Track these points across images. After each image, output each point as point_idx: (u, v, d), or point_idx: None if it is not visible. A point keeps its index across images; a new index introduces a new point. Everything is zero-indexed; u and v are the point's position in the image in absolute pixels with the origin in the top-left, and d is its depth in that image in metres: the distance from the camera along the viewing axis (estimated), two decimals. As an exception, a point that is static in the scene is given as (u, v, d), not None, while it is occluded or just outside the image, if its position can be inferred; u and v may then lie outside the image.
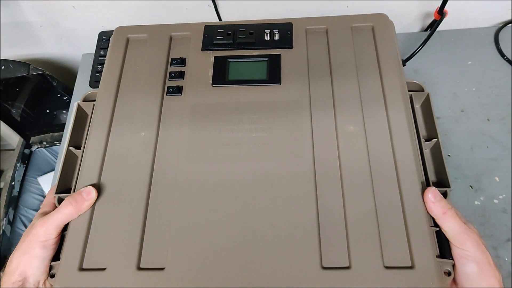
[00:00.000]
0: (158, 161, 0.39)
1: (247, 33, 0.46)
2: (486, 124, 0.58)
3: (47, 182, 0.93)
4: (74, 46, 0.78)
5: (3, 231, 0.85)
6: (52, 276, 0.34)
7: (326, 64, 0.43)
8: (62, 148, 0.43)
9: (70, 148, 0.41)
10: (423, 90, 0.43)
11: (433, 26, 0.65)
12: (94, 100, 0.44)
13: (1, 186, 0.90)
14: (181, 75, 0.43)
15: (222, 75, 0.43)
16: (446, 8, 0.61)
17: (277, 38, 0.45)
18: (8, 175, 0.91)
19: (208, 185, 0.37)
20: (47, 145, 0.97)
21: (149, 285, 0.32)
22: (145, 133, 0.40)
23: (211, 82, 0.43)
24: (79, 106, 0.44)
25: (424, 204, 0.35)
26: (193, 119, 0.40)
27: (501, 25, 0.68)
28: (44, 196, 0.92)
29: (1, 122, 0.88)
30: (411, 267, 0.32)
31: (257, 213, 0.35)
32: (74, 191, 0.38)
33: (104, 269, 0.33)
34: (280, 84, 0.42)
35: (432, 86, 0.61)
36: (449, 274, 0.32)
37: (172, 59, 0.45)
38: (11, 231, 0.87)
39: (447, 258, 0.33)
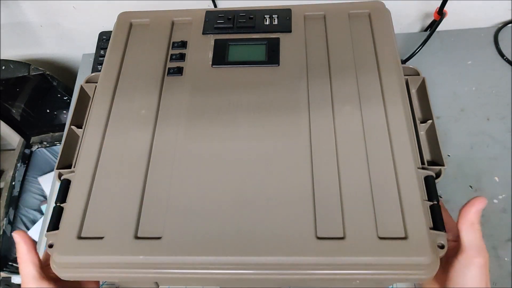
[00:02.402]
0: (158, 137, 0.39)
1: (247, 18, 0.47)
2: (486, 123, 0.58)
3: (48, 182, 0.93)
4: (74, 46, 0.79)
5: (3, 231, 0.85)
6: (51, 246, 0.35)
7: (324, 48, 0.44)
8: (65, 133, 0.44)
9: (72, 127, 0.43)
10: (419, 75, 0.44)
11: (433, 26, 0.65)
12: (97, 82, 0.45)
13: (2, 186, 0.90)
14: (182, 57, 0.45)
15: (222, 57, 0.44)
16: (446, 8, 0.61)
17: (276, 23, 0.46)
18: (9, 175, 0.91)
19: (206, 159, 0.37)
20: (48, 145, 0.97)
21: (146, 254, 0.33)
22: (145, 111, 0.41)
23: (211, 63, 0.44)
24: (81, 88, 0.45)
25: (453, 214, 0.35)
26: (193, 98, 0.41)
27: (500, 25, 0.68)
28: (44, 196, 0.92)
29: (1, 122, 0.88)
30: (405, 238, 0.32)
31: (254, 185, 0.36)
32: (74, 167, 0.39)
33: (102, 237, 0.34)
34: (279, 65, 0.43)
35: (432, 86, 0.61)
36: (442, 247, 0.33)
37: (173, 42, 0.46)
38: (12, 231, 0.87)
39: (440, 231, 0.33)
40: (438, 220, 0.34)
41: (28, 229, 0.89)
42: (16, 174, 0.91)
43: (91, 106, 0.44)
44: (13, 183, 0.90)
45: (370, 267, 0.32)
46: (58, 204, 0.37)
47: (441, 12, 0.62)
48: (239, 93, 0.41)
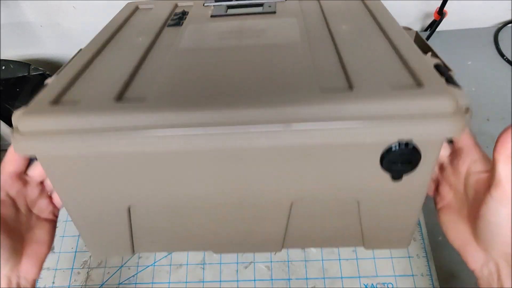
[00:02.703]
0: (156, 45, 0.39)
1: None
2: (486, 124, 0.58)
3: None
4: (74, 46, 0.78)
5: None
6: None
7: (318, 8, 0.45)
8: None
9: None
10: (410, 30, 0.45)
11: (433, 26, 0.65)
12: None
13: (1, 186, 0.90)
14: (182, 17, 0.46)
15: (221, 12, 0.46)
16: (446, 8, 0.61)
17: None
18: (8, 175, 0.91)
19: (205, 49, 0.37)
20: (47, 145, 0.97)
21: (126, 113, 0.28)
22: (142, 38, 0.40)
23: (210, 16, 0.45)
24: (80, 50, 0.43)
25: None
26: (190, 36, 0.41)
27: (501, 25, 0.68)
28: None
29: (1, 122, 0.88)
30: (419, 85, 0.28)
31: (250, 52, 0.35)
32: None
33: (79, 100, 0.29)
34: (275, 13, 0.44)
35: (432, 86, 0.61)
36: (466, 110, 0.29)
37: (175, 13, 0.47)
38: (11, 231, 0.87)
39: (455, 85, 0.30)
40: (451, 79, 0.30)
41: (28, 229, 0.88)
42: (16, 174, 0.91)
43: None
44: (13, 183, 0.90)
45: (383, 117, 0.26)
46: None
47: (441, 12, 0.62)
48: (239, 29, 0.41)
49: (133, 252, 0.37)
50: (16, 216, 0.32)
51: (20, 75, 0.74)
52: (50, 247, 0.35)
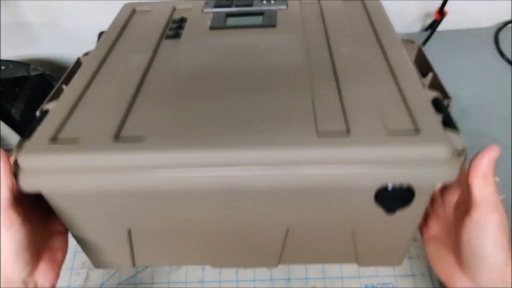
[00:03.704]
0: (153, 67, 0.38)
1: None
2: (486, 124, 0.58)
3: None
4: (74, 46, 0.78)
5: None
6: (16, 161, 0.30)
7: (320, 19, 0.44)
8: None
9: (62, 85, 0.39)
10: (413, 43, 0.44)
11: (433, 26, 0.65)
12: None
13: (1, 186, 0.90)
14: (180, 26, 0.45)
15: (220, 23, 0.45)
16: (446, 8, 0.61)
17: (273, 2, 0.48)
18: (8, 175, 0.91)
19: (203, 71, 0.36)
20: (47, 145, 0.97)
21: (125, 152, 0.28)
22: (140, 56, 0.40)
23: (209, 28, 0.44)
24: (78, 59, 0.44)
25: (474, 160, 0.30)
26: (189, 50, 0.41)
27: (501, 25, 0.68)
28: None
29: (1, 122, 0.88)
30: (416, 130, 0.28)
31: (249, 86, 0.34)
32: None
33: (78, 138, 0.29)
34: (275, 27, 0.43)
35: (432, 86, 0.61)
36: (460, 152, 0.29)
37: (173, 20, 0.47)
38: (11, 231, 0.87)
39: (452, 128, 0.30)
40: (448, 118, 0.30)
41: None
42: (15, 174, 0.91)
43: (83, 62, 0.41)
44: (13, 183, 0.90)
45: (379, 163, 0.27)
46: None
47: (441, 12, 0.62)
48: (238, 46, 0.41)
49: (134, 265, 0.38)
50: (32, 225, 0.31)
51: (19, 75, 0.74)
52: (65, 254, 0.35)
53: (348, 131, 0.28)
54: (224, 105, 0.32)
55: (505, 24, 0.68)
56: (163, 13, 0.48)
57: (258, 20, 0.45)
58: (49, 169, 0.28)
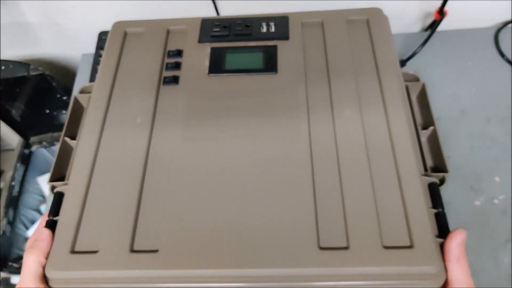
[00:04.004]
0: (154, 146, 0.39)
1: (244, 26, 0.46)
2: (486, 124, 0.58)
3: (47, 183, 0.93)
4: (74, 46, 0.78)
5: (3, 231, 0.85)
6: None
7: (322, 55, 0.44)
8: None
9: (65, 138, 0.42)
10: (418, 81, 0.44)
11: (433, 26, 0.65)
12: (91, 93, 0.44)
13: (1, 187, 0.90)
14: (177, 66, 0.44)
15: (219, 65, 0.44)
16: (446, 8, 0.61)
17: (273, 30, 0.46)
18: (8, 175, 0.91)
19: (203, 167, 0.37)
20: (47, 145, 0.97)
21: (142, 268, 0.32)
22: (140, 119, 0.40)
23: (207, 71, 0.43)
24: (75, 99, 0.45)
25: (445, 245, 0.33)
26: (189, 106, 0.41)
27: (501, 25, 0.68)
28: (44, 197, 0.92)
29: (1, 122, 0.88)
30: (411, 247, 0.31)
31: (253, 194, 0.35)
32: (67, 179, 0.38)
33: (96, 251, 0.33)
34: (276, 73, 0.42)
35: (432, 86, 0.61)
36: None
37: (169, 51, 0.45)
38: (11, 231, 0.87)
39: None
40: (444, 228, 0.33)
41: (27, 229, 0.89)
42: (15, 175, 0.91)
43: (84, 117, 0.43)
44: (13, 183, 0.90)
45: (375, 278, 0.31)
46: (51, 218, 0.36)
47: (441, 12, 0.61)
48: (237, 102, 0.40)
49: None
50: None
51: (19, 75, 0.74)
52: None
53: (347, 247, 0.32)
54: (229, 217, 0.34)
55: (505, 24, 0.68)
56: (157, 40, 0.46)
57: (258, 60, 0.43)
58: (72, 279, 0.32)
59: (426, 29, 0.71)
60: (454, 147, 0.56)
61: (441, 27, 0.62)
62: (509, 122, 0.58)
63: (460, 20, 0.67)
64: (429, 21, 0.69)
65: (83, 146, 0.39)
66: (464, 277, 0.31)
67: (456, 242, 0.32)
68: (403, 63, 0.64)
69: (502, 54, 0.64)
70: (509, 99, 0.60)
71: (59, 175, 0.41)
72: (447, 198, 0.52)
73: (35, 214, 0.91)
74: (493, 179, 0.54)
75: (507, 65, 0.63)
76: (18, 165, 0.92)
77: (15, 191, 0.90)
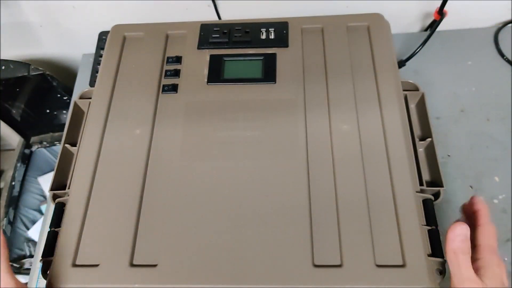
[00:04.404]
0: (152, 159, 0.39)
1: (243, 32, 0.46)
2: (486, 124, 0.58)
3: (47, 182, 0.93)
4: (74, 46, 0.78)
5: (4, 231, 0.85)
6: (45, 272, 0.34)
7: (321, 63, 0.43)
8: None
9: (66, 145, 0.42)
10: (418, 90, 0.44)
11: (433, 26, 0.65)
12: (91, 98, 0.44)
13: (1, 186, 0.90)
14: (176, 73, 0.44)
15: (217, 74, 0.43)
16: (446, 8, 0.61)
17: (272, 37, 0.45)
18: (8, 175, 0.91)
19: (202, 183, 0.37)
20: (47, 145, 0.97)
21: (141, 282, 0.33)
22: (140, 130, 0.40)
23: (206, 80, 0.43)
24: (75, 104, 0.45)
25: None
26: (188, 117, 0.41)
27: (501, 25, 0.68)
28: (44, 196, 0.92)
29: (1, 122, 0.88)
30: (403, 266, 0.32)
31: (250, 211, 0.35)
32: (69, 188, 0.39)
33: (97, 265, 0.33)
34: (275, 83, 0.42)
35: (432, 86, 0.61)
36: (440, 272, 0.33)
37: (168, 58, 0.45)
38: (11, 231, 0.87)
39: (438, 257, 0.33)
40: (436, 246, 0.34)
41: (28, 229, 0.89)
42: (16, 174, 0.91)
43: (84, 125, 0.43)
44: (13, 183, 0.90)
45: None
46: (52, 229, 0.36)
47: (441, 12, 0.61)
48: (235, 115, 0.40)
49: None
50: None
51: (20, 75, 0.74)
52: None
53: (341, 265, 0.32)
54: (226, 233, 0.34)
55: (505, 24, 0.68)
56: (156, 46, 0.46)
57: (257, 69, 0.43)
58: None
59: (426, 29, 0.71)
60: (454, 147, 0.56)
61: (440, 27, 0.62)
62: (509, 122, 0.58)
63: (460, 20, 0.67)
64: (429, 21, 0.69)
65: (83, 158, 0.39)
66: (462, 271, 0.30)
67: (453, 233, 0.31)
68: (403, 63, 0.64)
69: (502, 54, 0.64)
70: (509, 99, 0.60)
71: (60, 183, 0.41)
72: (447, 198, 0.52)
73: (36, 214, 0.91)
74: (493, 179, 0.54)
75: (507, 65, 0.63)
76: (19, 165, 0.92)
77: (16, 191, 0.90)
